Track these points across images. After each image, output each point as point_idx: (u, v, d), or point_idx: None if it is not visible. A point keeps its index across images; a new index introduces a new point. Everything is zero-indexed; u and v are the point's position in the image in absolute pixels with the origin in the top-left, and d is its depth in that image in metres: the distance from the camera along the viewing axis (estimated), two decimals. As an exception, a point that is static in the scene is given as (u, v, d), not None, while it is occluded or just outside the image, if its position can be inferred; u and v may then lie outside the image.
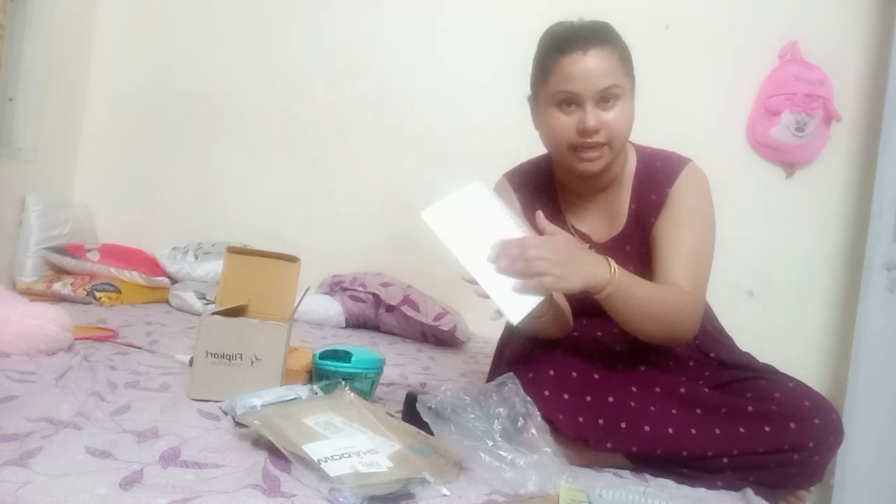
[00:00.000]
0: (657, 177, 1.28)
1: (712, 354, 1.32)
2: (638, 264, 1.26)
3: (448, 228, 1.08)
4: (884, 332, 2.24)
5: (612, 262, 1.08)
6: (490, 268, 1.04)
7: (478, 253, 1.05)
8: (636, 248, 1.29)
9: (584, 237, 1.31)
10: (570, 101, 1.18)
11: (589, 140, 1.18)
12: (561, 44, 1.18)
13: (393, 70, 2.70)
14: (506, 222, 1.10)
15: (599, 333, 1.30)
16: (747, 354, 1.36)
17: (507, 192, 1.37)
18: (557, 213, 1.33)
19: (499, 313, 1.03)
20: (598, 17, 1.26)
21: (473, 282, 1.04)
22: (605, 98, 1.16)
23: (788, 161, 2.53)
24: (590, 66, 1.15)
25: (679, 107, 2.42)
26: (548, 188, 1.35)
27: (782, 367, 1.32)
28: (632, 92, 1.21)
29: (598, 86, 1.15)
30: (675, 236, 1.21)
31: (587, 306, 1.28)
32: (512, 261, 1.02)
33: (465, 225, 1.08)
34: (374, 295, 2.35)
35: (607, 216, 1.31)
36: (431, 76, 2.68)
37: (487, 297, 1.03)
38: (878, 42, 2.46)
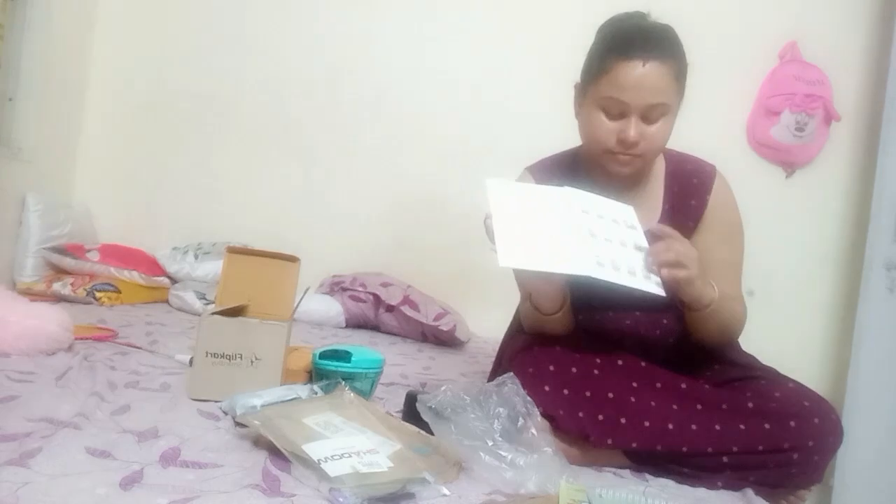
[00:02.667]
0: (692, 180, 1.33)
1: (717, 353, 1.32)
2: None
3: (500, 198, 1.13)
4: (884, 332, 2.23)
5: (715, 285, 1.18)
6: (510, 215, 1.10)
7: (514, 217, 1.11)
8: None
9: None
10: (616, 109, 1.19)
11: (626, 151, 1.20)
12: (623, 46, 1.17)
13: (392, 70, 2.70)
14: (560, 208, 1.15)
15: (612, 328, 1.31)
16: (750, 355, 1.36)
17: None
18: None
19: (494, 250, 1.06)
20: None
21: (489, 218, 1.09)
22: (652, 113, 1.18)
23: (788, 161, 2.53)
24: (645, 79, 1.15)
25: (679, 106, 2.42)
26: (573, 183, 1.35)
27: (782, 367, 1.32)
28: (678, 107, 1.24)
29: (648, 101, 1.16)
30: (719, 252, 1.29)
31: (602, 302, 1.28)
32: (657, 253, 1.12)
33: (518, 201, 1.15)
34: (374, 295, 2.35)
35: (640, 212, 1.31)
36: (430, 76, 2.68)
37: (492, 234, 1.07)
38: (878, 42, 2.46)
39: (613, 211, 1.20)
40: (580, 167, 1.35)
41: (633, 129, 1.17)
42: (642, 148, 1.20)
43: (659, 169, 1.34)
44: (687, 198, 1.31)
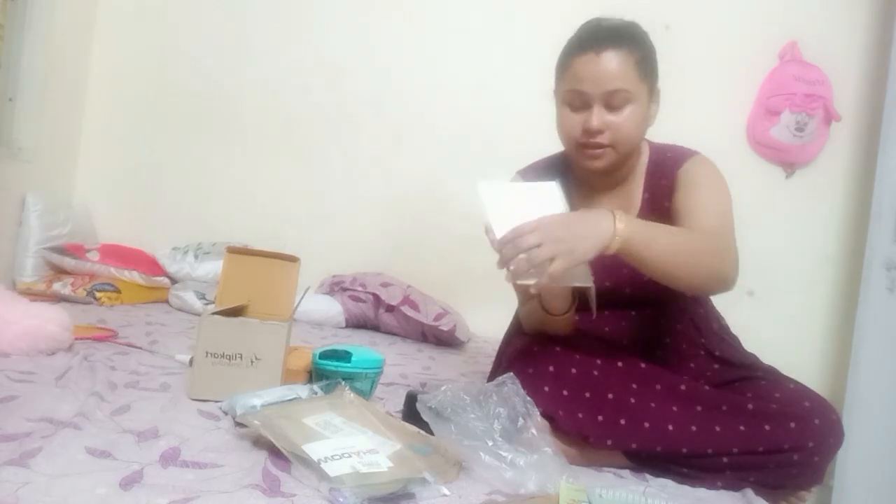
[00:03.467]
0: (668, 164, 1.32)
1: (717, 353, 1.32)
2: None
3: (494, 200, 1.09)
4: (884, 332, 2.23)
5: (617, 213, 1.03)
6: (508, 219, 1.04)
7: (510, 219, 1.04)
8: None
9: None
10: (579, 101, 1.20)
11: (592, 140, 1.20)
12: (580, 43, 1.22)
13: (393, 70, 2.69)
14: (552, 205, 1.11)
15: (607, 329, 1.32)
16: (752, 355, 1.37)
17: None
18: (571, 210, 1.34)
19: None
20: (598, 17, 1.26)
21: (492, 234, 1.05)
22: (613, 100, 1.18)
23: (788, 161, 2.53)
24: (600, 67, 1.17)
25: (679, 107, 2.41)
26: (561, 186, 1.36)
27: (782, 367, 1.32)
28: (648, 96, 1.22)
29: (606, 88, 1.17)
30: (693, 200, 1.23)
31: (596, 301, 1.29)
32: (510, 260, 0.99)
33: (511, 202, 1.10)
34: (374, 295, 2.35)
35: (621, 207, 1.32)
36: (431, 76, 2.68)
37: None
38: (878, 42, 2.46)
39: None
40: (569, 168, 1.36)
41: (595, 117, 1.19)
42: (609, 137, 1.20)
43: (643, 162, 1.34)
44: (661, 180, 1.31)
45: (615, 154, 1.23)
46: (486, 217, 1.06)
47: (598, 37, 1.20)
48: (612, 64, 1.17)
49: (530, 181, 1.37)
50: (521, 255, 0.98)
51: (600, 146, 1.21)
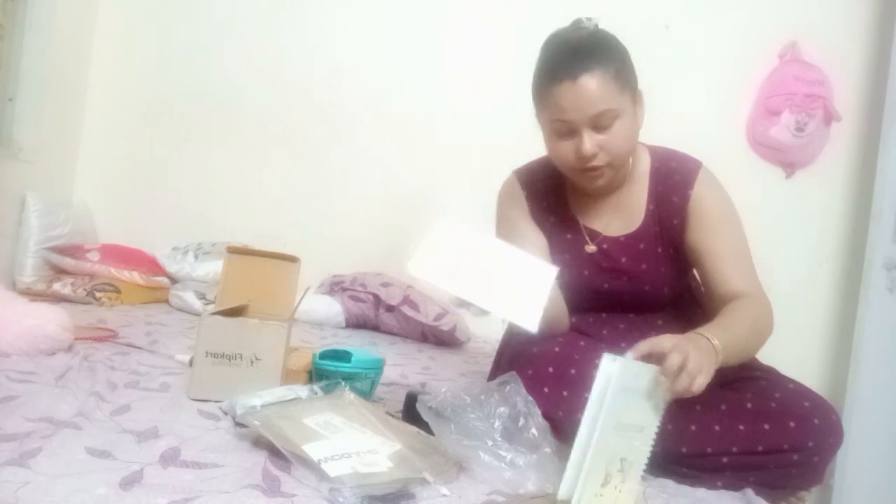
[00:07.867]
0: (674, 177, 1.29)
1: None
2: (650, 263, 1.29)
3: (435, 270, 1.06)
4: (884, 332, 2.23)
5: (712, 339, 1.01)
6: (485, 288, 1.03)
7: (469, 279, 1.04)
8: (651, 246, 1.30)
9: (594, 234, 1.32)
10: (566, 129, 1.18)
11: (589, 164, 1.18)
12: (552, 69, 1.17)
13: (392, 70, 2.69)
14: (486, 242, 1.10)
15: (605, 332, 1.32)
16: None
17: (515, 190, 1.38)
18: (566, 212, 1.34)
19: (514, 322, 1.02)
20: (598, 17, 1.25)
21: (467, 305, 1.03)
22: (600, 121, 1.16)
23: (788, 161, 2.53)
24: (580, 94, 1.14)
25: (679, 107, 2.42)
26: (557, 187, 1.36)
27: (782, 367, 1.32)
28: (632, 105, 1.20)
29: (590, 112, 1.15)
30: (716, 242, 1.23)
31: (593, 304, 1.29)
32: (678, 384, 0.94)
33: (450, 260, 1.07)
34: (374, 295, 2.35)
35: (621, 213, 1.31)
36: (431, 76, 2.68)
37: (487, 313, 1.03)
38: (878, 42, 2.46)
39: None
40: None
41: (586, 142, 1.16)
42: (603, 157, 1.18)
43: (644, 168, 1.31)
44: (670, 196, 1.29)
45: (613, 170, 1.22)
46: (454, 295, 1.04)
47: (570, 61, 1.15)
48: (590, 88, 1.13)
49: (526, 181, 1.37)
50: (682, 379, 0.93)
51: (597, 167, 1.19)
